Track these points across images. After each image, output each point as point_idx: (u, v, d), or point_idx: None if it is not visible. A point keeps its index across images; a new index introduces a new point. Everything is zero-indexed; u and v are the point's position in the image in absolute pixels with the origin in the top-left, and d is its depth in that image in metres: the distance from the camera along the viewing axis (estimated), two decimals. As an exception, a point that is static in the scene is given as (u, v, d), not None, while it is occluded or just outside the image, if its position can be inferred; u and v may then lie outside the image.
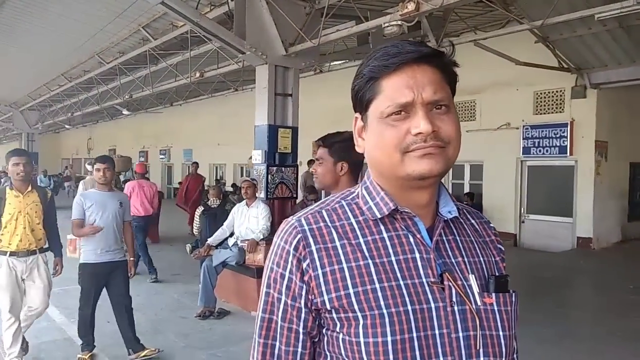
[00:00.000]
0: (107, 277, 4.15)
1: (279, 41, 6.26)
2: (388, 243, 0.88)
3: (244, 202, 5.83)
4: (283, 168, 6.32)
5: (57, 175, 25.25)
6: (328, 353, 0.90)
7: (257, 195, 5.87)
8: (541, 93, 9.79)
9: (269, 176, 6.18)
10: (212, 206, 6.65)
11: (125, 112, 16.61)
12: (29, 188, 3.88)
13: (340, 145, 2.08)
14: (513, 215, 10.10)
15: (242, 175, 19.66)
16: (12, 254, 3.80)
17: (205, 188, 9.85)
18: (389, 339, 0.81)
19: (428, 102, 0.83)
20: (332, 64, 11.79)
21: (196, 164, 11.16)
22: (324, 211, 0.92)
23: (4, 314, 3.86)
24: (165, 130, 22.95)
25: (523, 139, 9.92)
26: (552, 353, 4.45)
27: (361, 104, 0.90)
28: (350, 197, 0.95)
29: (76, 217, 4.02)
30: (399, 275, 0.85)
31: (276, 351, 0.90)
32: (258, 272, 5.40)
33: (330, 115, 13.25)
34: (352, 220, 0.90)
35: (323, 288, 0.86)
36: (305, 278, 0.87)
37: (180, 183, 22.43)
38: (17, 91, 16.44)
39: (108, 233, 4.05)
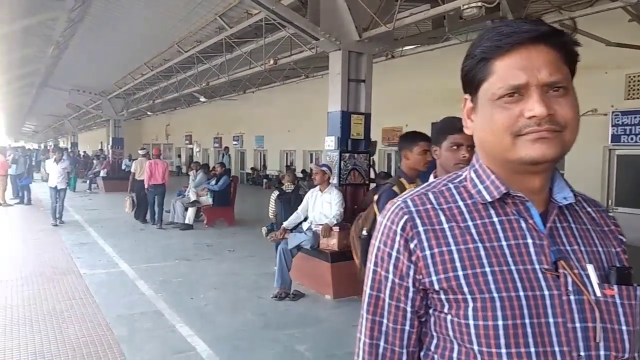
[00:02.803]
0: None
1: (353, 26, 6.23)
2: (498, 227, 0.87)
3: (318, 187, 5.93)
4: (356, 154, 6.33)
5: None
6: (435, 333, 0.91)
7: (330, 181, 5.95)
8: (635, 76, 9.03)
9: (342, 162, 6.22)
10: (287, 191, 6.82)
11: (202, 99, 17.29)
12: None
13: None
14: (599, 207, 9.46)
15: (311, 162, 19.93)
16: None
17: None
18: (500, 323, 0.81)
19: (544, 84, 0.80)
20: (403, 49, 11.55)
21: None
22: (430, 193, 0.93)
23: None
24: (239, 117, 23.67)
25: (612, 126, 9.22)
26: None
27: (471, 85, 0.88)
28: (458, 180, 0.95)
29: None
30: (510, 260, 0.84)
31: (383, 328, 0.93)
32: (332, 256, 5.49)
33: (400, 102, 13.07)
34: (460, 204, 0.90)
35: (431, 269, 0.87)
36: (413, 258, 0.88)
37: (252, 169, 23.21)
38: (105, 80, 17.63)
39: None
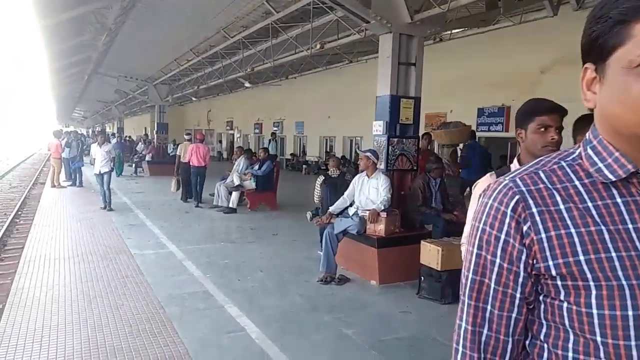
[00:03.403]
0: None
1: (405, 8, 6.07)
2: (623, 209, 0.79)
3: (364, 172, 5.88)
4: (404, 139, 6.21)
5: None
6: (545, 322, 0.85)
7: (377, 166, 5.87)
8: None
9: (390, 147, 6.12)
10: (332, 176, 6.79)
11: (247, 84, 17.44)
12: None
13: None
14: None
15: (351, 148, 19.83)
16: None
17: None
18: (630, 313, 0.74)
19: None
20: (453, 32, 11.22)
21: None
22: (540, 172, 0.86)
23: None
24: (279, 103, 23.77)
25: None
26: None
27: (599, 52, 0.79)
28: (570, 157, 0.87)
29: None
30: (638, 244, 0.77)
31: (487, 315, 0.87)
32: (379, 242, 5.44)
33: (445, 87, 12.74)
34: (577, 183, 0.83)
35: (548, 253, 0.80)
36: (526, 241, 0.82)
37: (292, 154, 23.31)
38: (152, 67, 18.04)
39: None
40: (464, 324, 0.90)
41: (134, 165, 19.66)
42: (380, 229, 5.51)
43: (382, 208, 5.54)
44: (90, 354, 3.65)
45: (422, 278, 5.07)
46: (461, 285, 0.92)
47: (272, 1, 9.29)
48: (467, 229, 2.06)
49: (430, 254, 4.97)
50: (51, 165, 15.57)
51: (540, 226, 0.81)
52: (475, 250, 0.89)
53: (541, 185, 0.84)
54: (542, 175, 0.85)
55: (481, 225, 0.88)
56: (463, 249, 2.10)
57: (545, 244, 0.81)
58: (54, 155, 15.05)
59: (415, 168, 6.34)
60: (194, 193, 11.29)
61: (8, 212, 11.02)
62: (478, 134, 11.13)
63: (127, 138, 30.64)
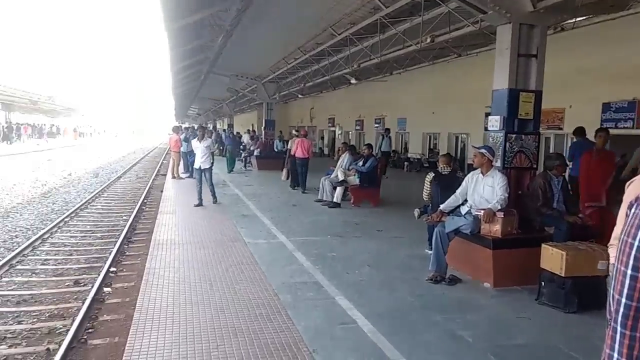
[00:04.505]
0: None
1: (527, -4, 5.70)
2: None
3: (478, 170, 5.63)
4: (523, 136, 5.84)
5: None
6: None
7: (492, 164, 5.60)
8: None
9: (507, 144, 5.79)
10: (443, 173, 6.60)
11: (352, 81, 17.57)
12: None
13: None
14: None
15: (456, 145, 19.13)
16: None
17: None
18: None
19: None
20: (576, 20, 10.32)
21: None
22: None
23: None
24: (381, 100, 23.63)
25: None
26: None
27: None
28: None
29: None
30: None
31: None
32: (494, 243, 5.18)
33: (564, 80, 11.75)
34: None
35: None
36: None
37: (394, 151, 23.02)
38: (261, 65, 18.90)
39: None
40: (615, 355, 0.81)
41: (243, 160, 20.75)
42: (496, 229, 5.24)
43: (498, 207, 5.27)
44: (214, 333, 3.92)
45: (543, 283, 4.75)
46: (608, 308, 0.82)
47: (382, -3, 9.26)
48: (617, 230, 1.87)
49: (552, 258, 4.64)
50: (171, 158, 17.00)
51: None
52: (629, 272, 0.79)
53: None
54: None
55: (636, 243, 0.78)
56: (611, 251, 1.91)
57: None
58: (174, 149, 16.42)
59: (535, 166, 5.93)
60: (300, 181, 12.79)
61: (136, 200, 12.26)
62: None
63: (236, 134, 32.43)
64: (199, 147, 10.41)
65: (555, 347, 3.85)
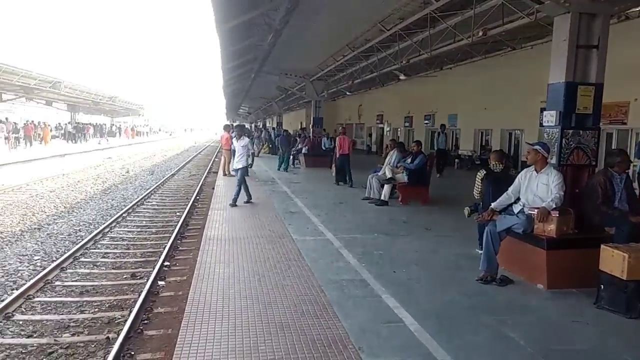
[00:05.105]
0: None
1: (586, -16, 5.41)
2: None
3: (532, 167, 5.42)
4: (581, 131, 5.55)
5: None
6: None
7: (547, 161, 5.37)
8: None
9: (563, 140, 5.53)
10: (495, 170, 6.40)
11: (401, 77, 17.37)
12: None
13: None
14: None
15: (510, 141, 18.47)
16: None
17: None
18: None
19: None
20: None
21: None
22: None
23: None
24: (430, 96, 23.19)
25: None
26: None
27: None
28: None
29: None
30: None
31: None
32: (548, 243, 4.98)
33: (629, 71, 11.07)
34: None
35: None
36: None
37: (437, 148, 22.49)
38: (309, 63, 19.00)
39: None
40: None
41: (291, 158, 20.96)
42: (550, 228, 5.03)
43: (553, 206, 5.05)
44: (262, 327, 4.00)
45: (602, 286, 4.51)
46: None
47: (432, -10, 9.07)
48: None
49: (613, 260, 4.40)
50: (222, 156, 17.43)
51: None
52: None
53: None
54: None
55: None
56: None
57: None
58: (225, 147, 16.82)
59: (594, 163, 5.64)
60: (347, 177, 13.69)
61: (189, 197, 12.68)
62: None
63: (285, 132, 32.80)
64: (238, 146, 10.36)
65: (618, 354, 3.66)
